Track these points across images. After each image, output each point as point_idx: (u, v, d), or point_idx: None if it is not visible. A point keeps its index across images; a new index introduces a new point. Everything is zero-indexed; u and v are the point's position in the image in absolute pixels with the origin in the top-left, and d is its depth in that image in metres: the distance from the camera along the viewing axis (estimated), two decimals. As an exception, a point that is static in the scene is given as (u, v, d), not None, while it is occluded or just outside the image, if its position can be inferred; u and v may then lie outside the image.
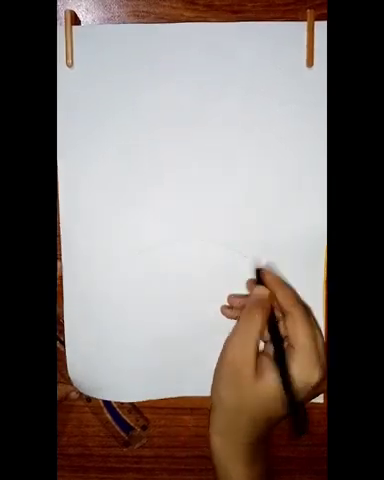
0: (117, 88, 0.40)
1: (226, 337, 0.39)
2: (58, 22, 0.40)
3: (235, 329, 0.37)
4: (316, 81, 0.39)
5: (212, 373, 0.41)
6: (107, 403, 0.42)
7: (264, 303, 0.37)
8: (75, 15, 0.40)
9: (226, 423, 0.37)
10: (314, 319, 0.38)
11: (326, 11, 0.39)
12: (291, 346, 0.36)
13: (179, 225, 0.41)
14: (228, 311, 0.41)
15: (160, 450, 0.43)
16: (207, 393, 0.42)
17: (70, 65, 0.39)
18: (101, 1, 0.41)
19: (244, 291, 0.40)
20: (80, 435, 0.43)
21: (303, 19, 0.39)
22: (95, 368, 0.41)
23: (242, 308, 0.38)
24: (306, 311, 0.37)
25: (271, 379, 0.35)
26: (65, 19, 0.39)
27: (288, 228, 0.41)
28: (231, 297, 0.41)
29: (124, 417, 0.42)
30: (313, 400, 0.42)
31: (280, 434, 0.43)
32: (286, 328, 0.36)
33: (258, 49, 0.39)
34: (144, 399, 0.42)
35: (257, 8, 0.41)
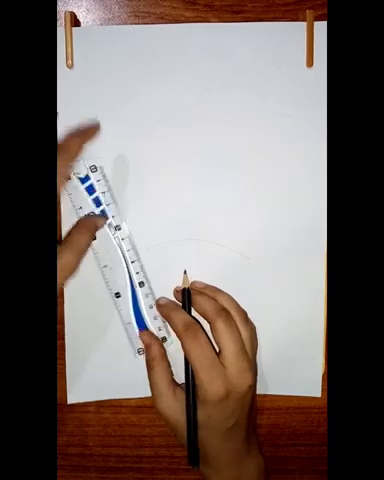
0: (117, 89, 0.40)
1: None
2: (58, 23, 0.40)
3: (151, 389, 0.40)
4: (316, 81, 0.39)
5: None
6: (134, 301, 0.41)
7: (155, 349, 0.40)
8: (75, 16, 0.40)
9: (203, 465, 0.39)
10: (245, 321, 0.39)
11: (326, 11, 0.39)
12: (221, 354, 0.38)
13: (179, 225, 0.41)
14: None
15: (160, 450, 0.43)
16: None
17: (70, 66, 0.39)
18: (101, 1, 0.41)
19: (244, 292, 0.40)
20: (80, 435, 0.43)
21: (303, 19, 0.39)
22: (95, 367, 0.41)
23: None
24: (228, 317, 0.38)
25: None
26: (65, 20, 0.39)
27: (288, 228, 0.41)
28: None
29: (145, 317, 0.41)
30: (311, 394, 0.42)
31: (280, 434, 0.43)
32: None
33: (258, 49, 0.40)
34: (144, 396, 0.42)
35: (257, 8, 0.41)
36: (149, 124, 0.40)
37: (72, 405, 0.42)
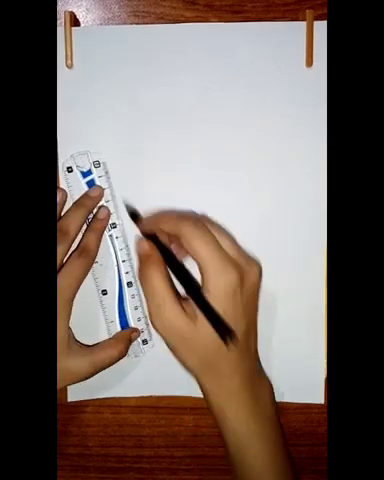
0: (117, 89, 0.40)
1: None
2: (58, 23, 0.40)
3: (144, 295, 0.37)
4: (315, 81, 0.39)
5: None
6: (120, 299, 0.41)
7: (149, 254, 0.37)
8: (75, 16, 0.40)
9: (214, 384, 0.37)
10: (212, 223, 0.37)
11: (326, 11, 0.39)
12: (199, 265, 0.35)
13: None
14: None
15: (160, 450, 0.43)
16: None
17: (70, 66, 0.39)
18: (101, 1, 0.41)
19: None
20: (80, 435, 0.43)
21: (303, 19, 0.39)
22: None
23: None
24: (195, 223, 0.36)
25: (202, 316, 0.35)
26: (64, 20, 0.39)
27: (288, 228, 0.41)
28: None
29: (129, 317, 0.41)
30: (313, 401, 0.42)
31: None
32: (188, 251, 0.36)
33: (258, 49, 0.40)
34: (145, 394, 0.42)
35: (257, 8, 0.41)
36: (149, 124, 0.40)
37: (72, 405, 0.42)
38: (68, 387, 0.41)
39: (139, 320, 0.41)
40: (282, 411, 0.41)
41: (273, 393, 0.39)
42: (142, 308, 0.41)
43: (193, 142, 0.40)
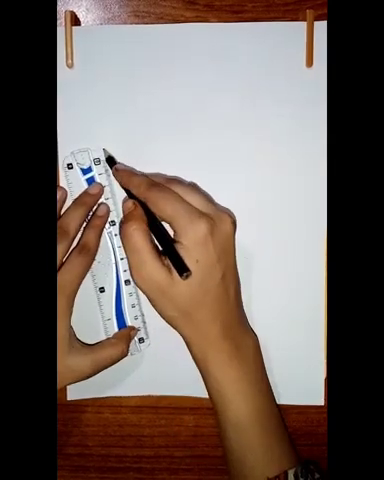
0: (117, 88, 0.40)
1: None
2: (58, 22, 0.40)
3: (126, 253, 0.38)
4: (315, 81, 0.39)
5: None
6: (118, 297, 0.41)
7: (134, 214, 0.37)
8: (75, 16, 0.40)
9: (195, 333, 0.37)
10: (182, 184, 0.38)
11: (326, 11, 0.39)
12: (169, 223, 0.37)
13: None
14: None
15: (160, 450, 0.43)
16: (206, 393, 0.42)
17: (70, 65, 0.39)
18: (101, 1, 0.41)
19: (243, 294, 0.40)
20: (80, 435, 0.43)
21: (303, 19, 0.39)
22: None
23: None
24: (161, 188, 0.37)
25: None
26: (65, 20, 0.39)
27: (288, 228, 0.41)
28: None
29: (126, 315, 0.41)
30: (313, 403, 0.42)
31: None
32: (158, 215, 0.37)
33: (258, 49, 0.40)
34: (145, 394, 0.42)
35: (257, 8, 0.41)
36: (148, 123, 0.40)
37: (72, 405, 0.42)
38: (67, 386, 0.41)
39: (136, 318, 0.41)
40: (282, 411, 0.41)
41: (257, 342, 0.40)
42: (139, 306, 0.41)
43: (192, 141, 0.40)
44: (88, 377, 0.38)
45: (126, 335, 0.40)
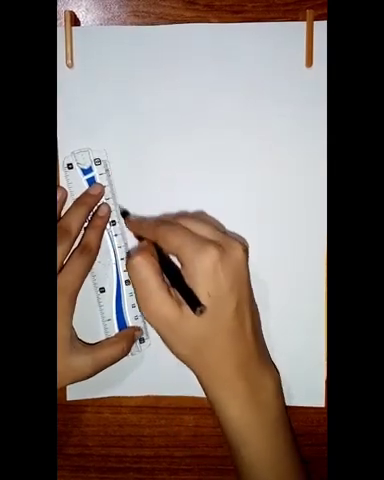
0: (117, 89, 0.40)
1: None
2: (58, 23, 0.40)
3: (134, 287, 0.37)
4: (315, 81, 0.39)
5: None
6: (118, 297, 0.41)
7: (141, 247, 0.37)
8: (75, 16, 0.40)
9: (207, 372, 0.36)
10: (190, 217, 0.38)
11: (326, 11, 0.39)
12: (176, 256, 0.35)
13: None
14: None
15: (160, 450, 0.43)
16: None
17: (70, 66, 0.39)
18: (101, 1, 0.41)
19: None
20: (80, 435, 0.43)
21: (303, 19, 0.39)
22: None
23: None
24: (169, 225, 0.36)
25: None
26: (65, 20, 0.39)
27: (288, 228, 0.41)
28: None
29: (126, 315, 0.41)
30: (313, 404, 0.42)
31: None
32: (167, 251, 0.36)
33: (257, 49, 0.40)
34: (144, 394, 0.42)
35: (257, 8, 0.41)
36: (148, 123, 0.40)
37: (72, 405, 0.42)
38: (67, 386, 0.41)
39: (136, 318, 0.41)
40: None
41: (278, 382, 0.38)
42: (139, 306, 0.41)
43: (193, 141, 0.40)
44: (89, 377, 0.38)
45: (128, 335, 0.40)
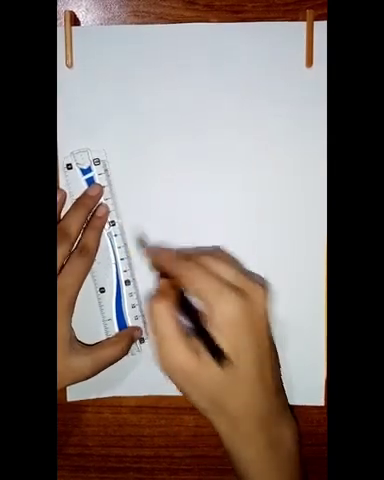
0: (116, 88, 0.40)
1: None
2: (57, 23, 0.40)
3: (151, 332, 0.35)
4: (315, 81, 0.39)
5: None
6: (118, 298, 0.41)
7: (160, 289, 0.36)
8: (75, 16, 0.40)
9: (226, 425, 0.34)
10: (213, 255, 0.36)
11: (326, 11, 0.39)
12: (199, 298, 0.34)
13: (178, 225, 0.41)
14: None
15: (160, 450, 0.43)
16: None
17: (70, 65, 0.39)
18: (101, 1, 0.41)
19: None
20: (80, 435, 0.43)
21: (303, 19, 0.39)
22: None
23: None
24: (190, 261, 0.34)
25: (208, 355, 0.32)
26: (64, 20, 0.39)
27: (288, 228, 0.41)
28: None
29: (126, 315, 0.41)
30: (313, 403, 0.42)
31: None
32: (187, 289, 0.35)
33: (257, 49, 0.40)
34: (146, 394, 0.42)
35: (257, 8, 0.41)
36: (148, 123, 0.40)
37: (72, 405, 0.42)
38: (67, 387, 0.41)
39: (136, 318, 0.41)
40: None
41: (296, 434, 0.36)
42: (140, 306, 0.41)
43: (192, 141, 0.40)
44: (88, 377, 0.38)
45: (128, 335, 0.40)
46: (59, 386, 0.36)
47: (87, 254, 0.38)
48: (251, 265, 0.41)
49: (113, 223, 0.40)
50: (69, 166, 0.40)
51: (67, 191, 0.40)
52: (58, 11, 0.40)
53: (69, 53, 0.39)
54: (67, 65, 0.39)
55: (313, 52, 0.39)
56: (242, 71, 0.40)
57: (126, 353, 0.39)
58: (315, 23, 0.39)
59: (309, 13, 0.39)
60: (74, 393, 0.42)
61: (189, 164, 0.41)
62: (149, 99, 0.40)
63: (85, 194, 0.40)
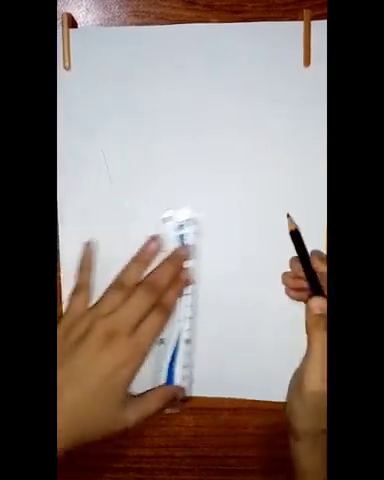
0: (115, 89, 0.40)
1: (226, 336, 0.40)
2: (57, 23, 0.40)
3: (309, 356, 0.36)
4: (313, 80, 0.39)
5: (215, 374, 0.41)
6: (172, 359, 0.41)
7: (323, 314, 0.36)
8: (72, 18, 0.40)
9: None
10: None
11: (326, 11, 0.39)
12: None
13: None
14: (292, 293, 0.40)
15: (160, 450, 0.43)
16: (207, 393, 0.42)
17: (68, 67, 0.39)
18: (101, 1, 0.41)
19: (243, 295, 0.40)
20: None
21: (302, 19, 0.39)
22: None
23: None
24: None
25: None
26: (62, 22, 0.39)
27: (287, 227, 0.41)
28: (287, 278, 0.40)
29: (177, 371, 0.40)
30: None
31: (280, 433, 0.43)
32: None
33: (255, 49, 0.40)
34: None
35: (257, 8, 0.40)
36: (147, 124, 0.40)
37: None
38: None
39: (184, 379, 0.41)
40: (282, 411, 0.41)
41: None
42: (190, 368, 0.41)
43: (192, 141, 0.40)
44: (126, 430, 0.37)
45: (172, 392, 0.40)
46: (98, 436, 0.37)
47: (167, 313, 0.39)
48: (251, 265, 0.41)
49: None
50: (166, 219, 0.40)
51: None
52: (58, 11, 0.40)
53: (67, 55, 0.39)
54: (65, 66, 0.39)
55: (311, 52, 0.39)
56: (240, 71, 0.40)
57: (161, 410, 0.39)
58: (313, 22, 0.39)
59: (306, 13, 0.39)
60: None
61: (189, 164, 0.41)
62: (148, 100, 0.40)
63: (178, 254, 0.40)
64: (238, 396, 0.42)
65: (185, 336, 0.40)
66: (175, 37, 0.40)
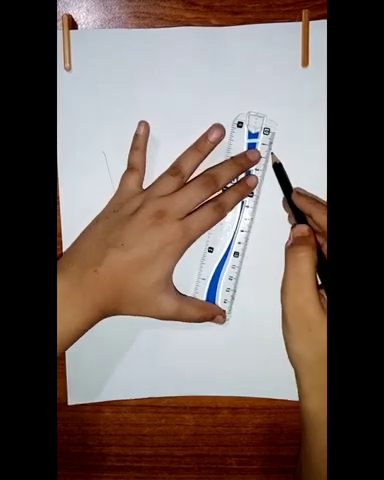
0: (115, 91, 0.40)
1: (225, 337, 0.40)
2: (58, 24, 0.40)
3: (286, 275, 0.36)
4: (312, 81, 0.39)
5: (211, 372, 0.41)
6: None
7: (308, 240, 0.36)
8: (73, 19, 0.40)
9: (314, 381, 0.35)
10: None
11: (326, 11, 0.39)
12: None
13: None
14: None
15: (160, 449, 0.43)
16: (207, 392, 0.42)
17: (68, 69, 0.40)
18: (102, 2, 0.41)
19: (242, 294, 0.40)
20: (80, 434, 0.43)
21: (301, 20, 0.39)
22: (96, 367, 0.42)
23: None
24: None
25: None
26: (62, 23, 0.39)
27: (288, 228, 0.41)
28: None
29: (221, 281, 0.41)
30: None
31: (280, 433, 0.43)
32: None
33: (254, 50, 0.40)
34: (146, 396, 0.42)
35: (257, 9, 0.41)
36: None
37: (72, 405, 0.42)
38: (68, 390, 0.42)
39: (228, 290, 0.41)
40: (282, 410, 0.41)
41: None
42: (236, 281, 0.41)
43: (191, 143, 0.40)
44: (163, 319, 0.38)
45: (213, 312, 0.40)
46: (140, 314, 0.37)
47: (221, 212, 0.38)
48: (251, 264, 0.41)
49: (251, 194, 0.40)
50: (240, 124, 0.40)
51: (228, 146, 0.40)
52: (59, 12, 0.41)
53: (67, 56, 0.39)
54: (65, 68, 0.39)
55: (309, 52, 0.39)
56: (239, 72, 0.40)
57: (200, 322, 0.39)
58: (312, 23, 0.39)
59: (305, 13, 0.39)
60: (74, 397, 0.42)
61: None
62: (147, 101, 0.40)
63: (244, 155, 0.40)
64: (237, 395, 0.42)
65: (235, 248, 0.40)
66: (175, 39, 0.40)
